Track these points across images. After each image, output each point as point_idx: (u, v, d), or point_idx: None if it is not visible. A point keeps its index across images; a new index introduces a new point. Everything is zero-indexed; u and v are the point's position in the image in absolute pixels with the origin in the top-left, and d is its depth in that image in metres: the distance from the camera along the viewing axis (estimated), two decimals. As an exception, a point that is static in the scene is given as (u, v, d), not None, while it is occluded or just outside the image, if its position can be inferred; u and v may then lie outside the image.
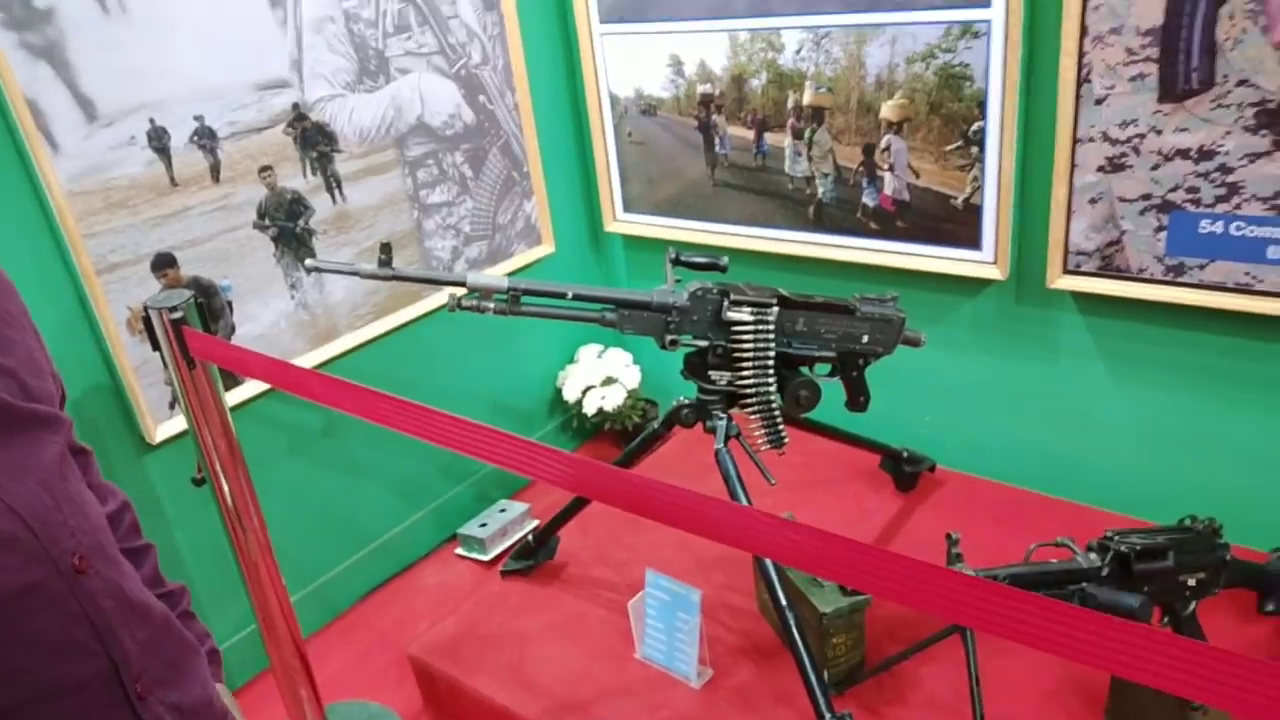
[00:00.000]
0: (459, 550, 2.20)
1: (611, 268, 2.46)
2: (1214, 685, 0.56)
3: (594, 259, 2.45)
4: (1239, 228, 1.46)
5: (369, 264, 1.32)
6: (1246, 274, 1.47)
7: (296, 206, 1.74)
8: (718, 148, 2.04)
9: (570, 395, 2.39)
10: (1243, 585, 1.38)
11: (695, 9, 1.92)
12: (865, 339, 1.49)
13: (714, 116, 2.02)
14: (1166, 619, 1.31)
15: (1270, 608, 1.40)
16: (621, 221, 2.31)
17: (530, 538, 1.84)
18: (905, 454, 1.83)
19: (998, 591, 0.63)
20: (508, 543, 2.17)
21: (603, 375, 2.40)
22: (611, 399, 2.36)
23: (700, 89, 2.01)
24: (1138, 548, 1.27)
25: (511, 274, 2.06)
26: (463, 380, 2.18)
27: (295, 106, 1.68)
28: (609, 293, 1.41)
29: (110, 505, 0.88)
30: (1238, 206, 1.45)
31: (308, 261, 1.35)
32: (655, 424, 1.60)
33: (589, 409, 2.36)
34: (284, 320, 1.76)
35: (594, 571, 1.85)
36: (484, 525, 2.19)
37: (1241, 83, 1.39)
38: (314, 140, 1.72)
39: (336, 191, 1.78)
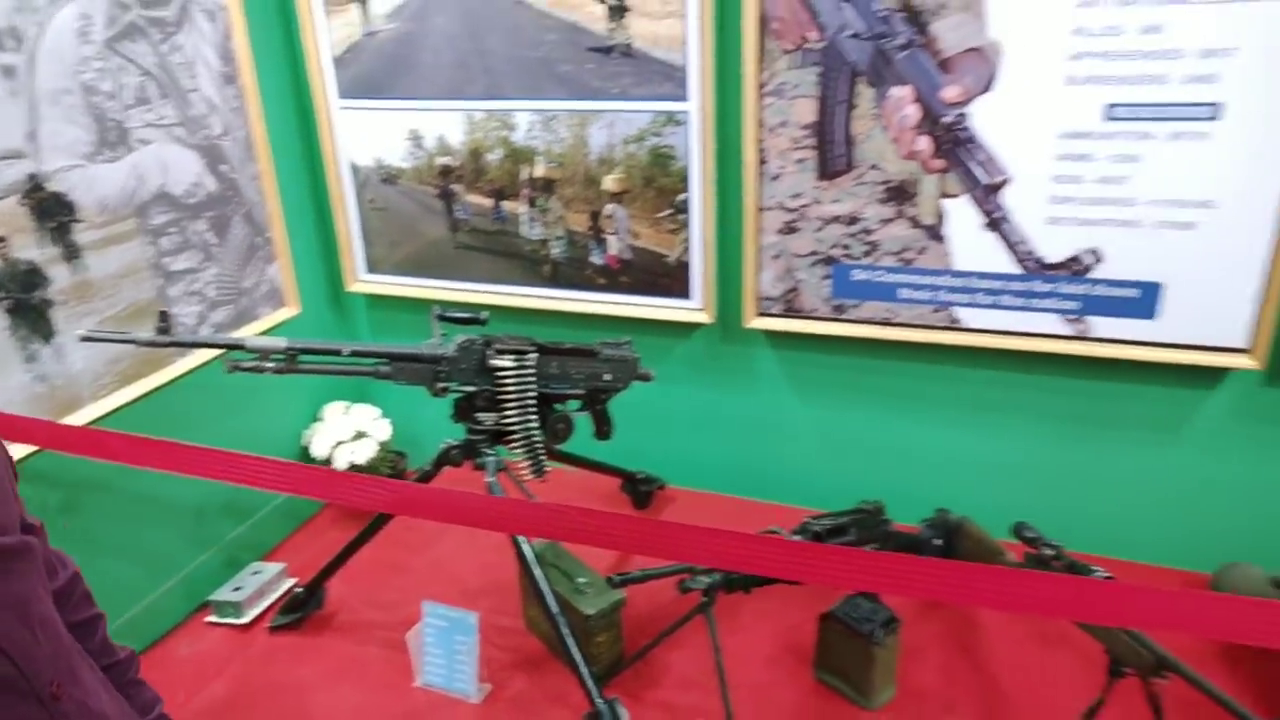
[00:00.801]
0: (211, 618, 2.16)
1: (354, 326, 2.56)
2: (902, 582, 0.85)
3: (337, 318, 2.53)
4: (879, 275, 1.89)
5: (144, 331, 1.37)
6: (886, 310, 1.91)
7: (33, 278, 1.70)
8: (458, 213, 2.23)
9: (319, 452, 2.44)
10: (904, 550, 1.79)
11: (433, 90, 2.12)
12: (607, 377, 1.75)
13: (453, 185, 2.21)
14: (852, 582, 1.67)
15: (923, 566, 1.82)
16: (363, 281, 2.42)
17: (299, 589, 1.89)
18: (640, 475, 2.12)
19: (804, 547, 0.89)
20: (266, 603, 2.17)
21: (352, 430, 2.47)
22: (362, 452, 2.44)
23: (439, 160, 2.20)
24: (828, 527, 1.62)
25: (258, 335, 2.11)
26: (210, 443, 2.17)
27: (31, 177, 1.66)
28: (382, 348, 1.55)
29: (60, 578, 0.90)
30: (877, 259, 1.88)
31: (80, 333, 1.37)
32: (426, 466, 1.75)
33: (339, 463, 2.42)
34: (18, 394, 1.70)
35: (365, 615, 1.94)
36: (238, 589, 2.17)
37: (873, 167, 1.82)
38: (52, 210, 1.70)
39: (77, 261, 1.76)
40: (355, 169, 2.30)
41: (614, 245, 2.10)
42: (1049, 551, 1.51)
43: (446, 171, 2.20)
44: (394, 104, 2.17)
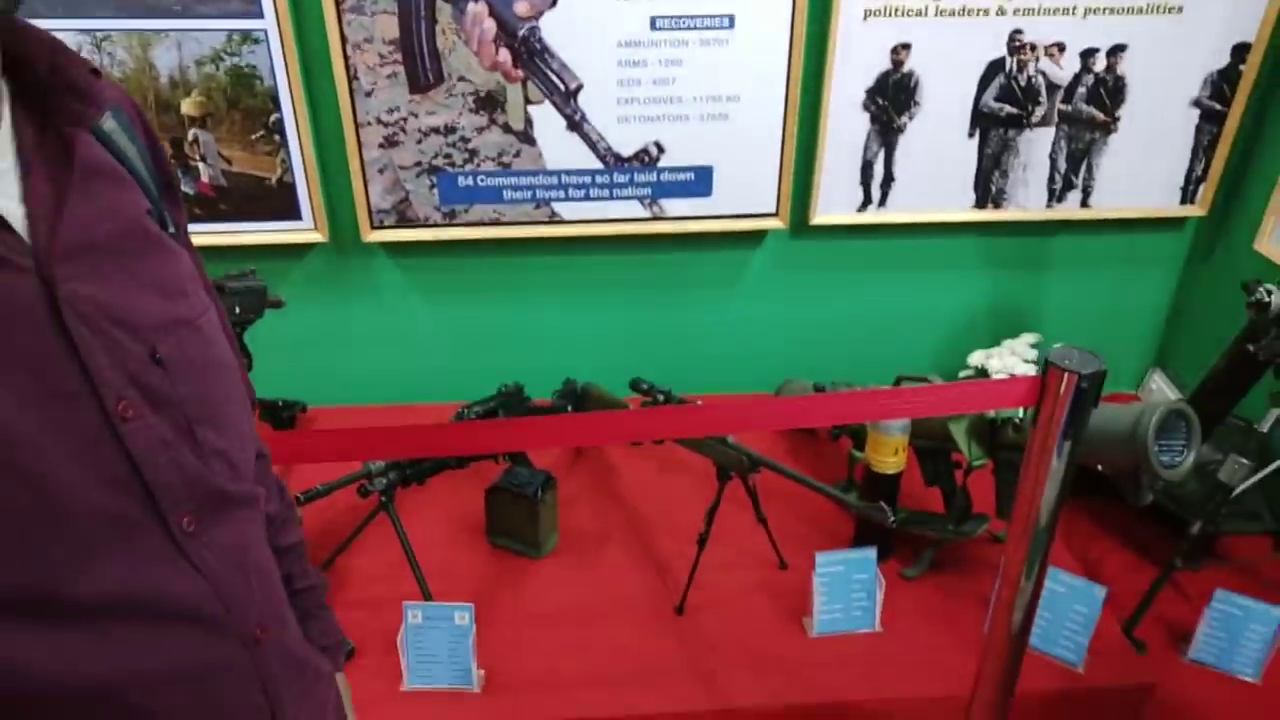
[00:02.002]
0: None
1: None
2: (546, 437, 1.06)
3: None
4: (482, 180, 2.05)
5: None
6: (494, 211, 2.09)
7: None
8: None
9: None
10: (542, 421, 2.05)
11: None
12: (238, 310, 1.73)
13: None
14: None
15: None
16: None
17: None
18: (281, 403, 2.12)
19: (460, 427, 1.04)
20: None
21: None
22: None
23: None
24: (479, 414, 1.81)
25: None
26: None
27: None
28: None
29: (272, 505, 0.87)
30: (479, 165, 2.04)
31: None
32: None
33: None
34: None
35: None
36: None
37: (461, 79, 1.95)
38: None
39: None
40: None
41: (205, 172, 2.01)
42: (660, 397, 1.84)
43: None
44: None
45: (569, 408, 2.08)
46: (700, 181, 2.09)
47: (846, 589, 1.62)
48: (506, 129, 2.01)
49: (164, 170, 0.77)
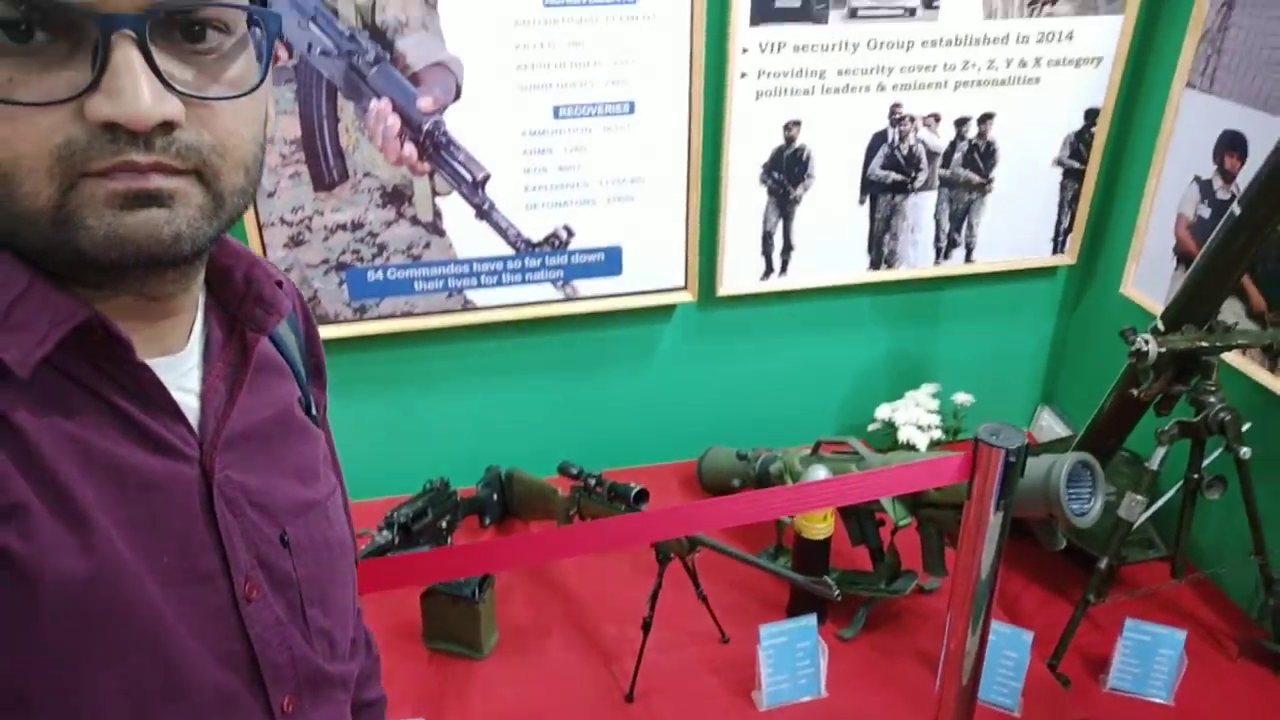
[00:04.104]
0: None
1: None
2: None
3: None
4: (392, 273, 2.04)
5: None
6: (406, 303, 2.07)
7: None
8: None
9: None
10: (471, 513, 2.03)
11: None
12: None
13: None
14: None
15: (487, 523, 2.07)
16: None
17: None
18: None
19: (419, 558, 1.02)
20: None
21: None
22: None
23: None
24: (409, 515, 1.78)
25: None
26: None
27: None
28: None
29: (360, 658, 0.86)
30: (388, 259, 2.02)
31: None
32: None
33: None
34: None
35: None
36: None
37: (366, 174, 1.94)
38: None
39: None
40: None
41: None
42: (591, 480, 1.85)
43: None
44: None
45: (494, 496, 2.06)
46: (610, 261, 2.13)
47: (791, 658, 1.66)
48: (415, 221, 2.00)
49: (316, 355, 0.85)
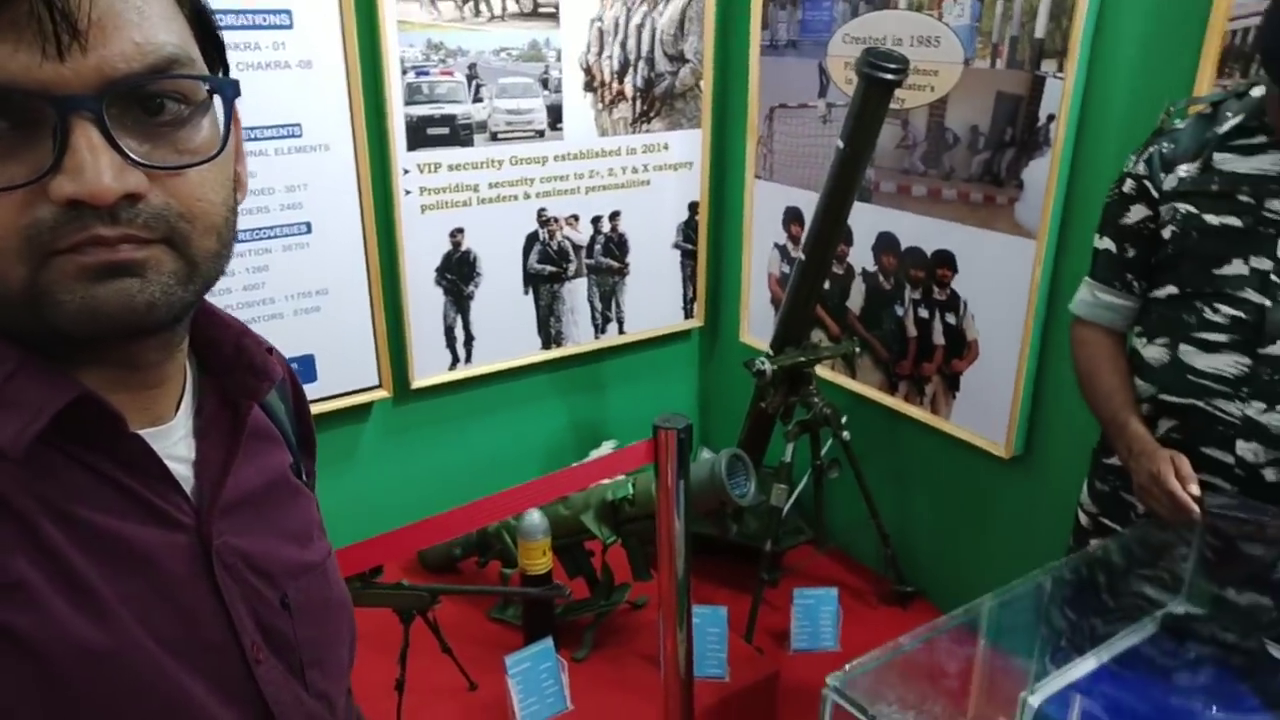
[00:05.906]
0: None
1: None
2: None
3: None
4: (76, 409, 2.00)
5: None
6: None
7: None
8: None
9: None
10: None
11: None
12: None
13: None
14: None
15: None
16: None
17: None
18: None
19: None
20: None
21: None
22: None
23: None
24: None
25: None
26: None
27: None
28: None
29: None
30: (71, 395, 1.98)
31: None
32: None
33: None
34: None
35: None
36: None
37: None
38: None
39: None
40: None
41: None
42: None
43: None
44: None
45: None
46: (304, 369, 2.26)
47: (537, 680, 1.85)
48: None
49: (306, 425, 0.84)
